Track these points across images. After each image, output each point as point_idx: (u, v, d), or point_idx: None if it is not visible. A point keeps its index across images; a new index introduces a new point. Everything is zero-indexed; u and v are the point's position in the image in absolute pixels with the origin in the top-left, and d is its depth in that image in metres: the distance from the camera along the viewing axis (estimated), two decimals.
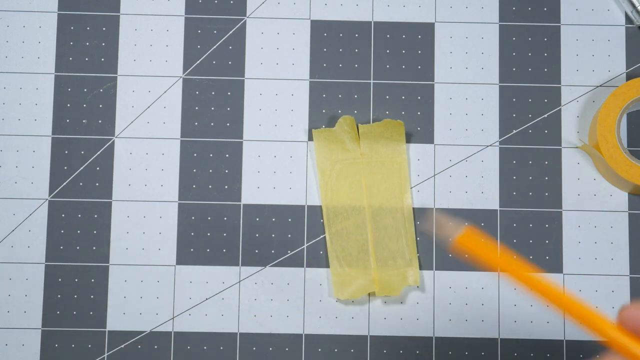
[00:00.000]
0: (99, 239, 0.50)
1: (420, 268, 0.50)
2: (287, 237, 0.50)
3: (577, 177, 0.51)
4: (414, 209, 0.50)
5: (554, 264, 0.50)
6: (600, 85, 0.51)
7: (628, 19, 0.52)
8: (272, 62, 0.52)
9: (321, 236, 0.50)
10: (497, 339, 0.49)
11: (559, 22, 0.52)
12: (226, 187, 0.51)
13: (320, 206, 0.50)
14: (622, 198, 0.51)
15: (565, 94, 0.52)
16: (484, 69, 0.52)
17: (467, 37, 0.52)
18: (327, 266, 0.50)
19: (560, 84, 0.52)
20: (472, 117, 0.51)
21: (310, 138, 0.51)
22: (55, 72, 0.52)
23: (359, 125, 0.50)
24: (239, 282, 0.50)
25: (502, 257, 0.36)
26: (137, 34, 0.52)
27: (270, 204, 0.50)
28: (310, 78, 0.52)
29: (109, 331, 0.50)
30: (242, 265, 0.50)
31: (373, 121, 0.51)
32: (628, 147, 0.51)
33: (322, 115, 0.51)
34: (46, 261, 0.50)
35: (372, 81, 0.52)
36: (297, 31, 0.52)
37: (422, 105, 0.51)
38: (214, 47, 0.52)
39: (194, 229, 0.50)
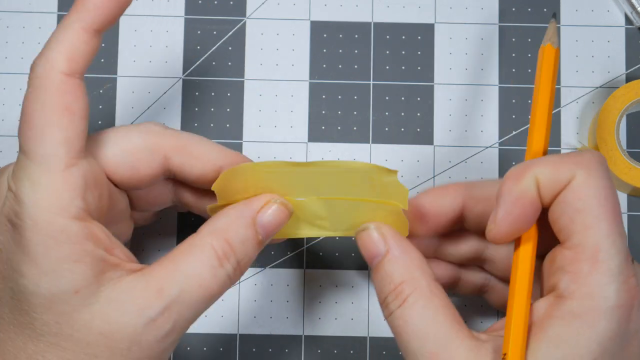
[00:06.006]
0: None
1: None
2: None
3: None
4: None
5: None
6: (599, 87, 0.51)
7: (628, 20, 0.52)
8: (271, 63, 0.52)
9: (321, 237, 0.50)
10: None
11: (559, 23, 0.52)
12: None
13: None
14: (621, 200, 0.51)
15: (565, 95, 0.52)
16: (483, 70, 0.52)
17: (466, 38, 0.52)
18: (327, 268, 0.50)
19: (559, 85, 0.52)
20: (471, 118, 0.51)
21: (311, 139, 0.51)
22: None
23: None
24: (239, 283, 0.50)
25: None
26: (137, 34, 0.52)
27: None
28: (310, 79, 0.52)
29: None
30: None
31: (373, 123, 0.51)
32: (627, 148, 0.51)
33: (322, 116, 0.51)
34: None
35: (371, 82, 0.52)
36: (297, 32, 0.52)
37: (422, 107, 0.51)
38: (214, 48, 0.52)
39: (192, 229, 0.50)
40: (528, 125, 0.51)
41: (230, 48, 0.52)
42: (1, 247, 0.36)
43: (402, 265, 0.39)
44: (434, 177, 0.51)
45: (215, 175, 0.41)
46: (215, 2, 0.52)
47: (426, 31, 0.52)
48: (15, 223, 0.36)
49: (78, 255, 0.36)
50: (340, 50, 0.52)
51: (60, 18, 0.52)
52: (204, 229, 0.39)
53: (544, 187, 0.36)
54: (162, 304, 0.36)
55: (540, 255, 0.38)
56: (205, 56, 0.52)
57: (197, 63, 0.52)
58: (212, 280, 0.38)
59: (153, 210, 0.46)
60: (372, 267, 0.40)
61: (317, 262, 0.50)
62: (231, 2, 0.52)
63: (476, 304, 0.50)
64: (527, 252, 0.38)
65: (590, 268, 0.35)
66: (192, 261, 0.38)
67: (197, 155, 0.41)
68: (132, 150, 0.40)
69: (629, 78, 0.51)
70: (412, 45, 0.52)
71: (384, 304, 0.39)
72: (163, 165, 0.41)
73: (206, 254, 0.38)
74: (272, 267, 0.50)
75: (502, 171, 0.51)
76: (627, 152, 0.50)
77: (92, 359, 0.36)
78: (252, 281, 0.50)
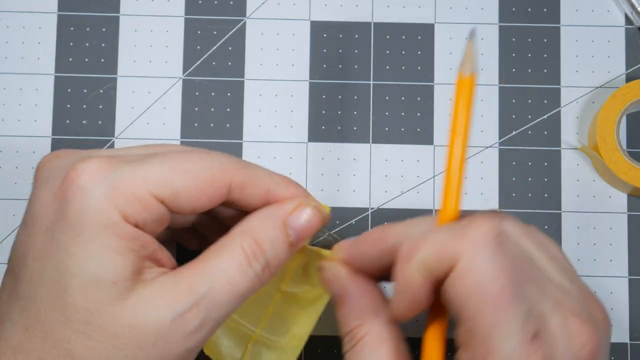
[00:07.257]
0: None
1: None
2: None
3: (576, 179, 0.51)
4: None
5: None
6: (599, 87, 0.52)
7: (628, 20, 0.52)
8: (271, 63, 0.52)
9: (320, 238, 0.50)
10: None
11: (559, 23, 0.52)
12: None
13: None
14: (621, 199, 0.51)
15: (565, 95, 0.52)
16: (483, 70, 0.52)
17: (466, 38, 0.52)
18: None
19: (559, 85, 0.52)
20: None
21: (311, 139, 0.51)
22: (55, 72, 0.52)
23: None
24: None
25: None
26: (137, 34, 0.52)
27: None
28: (310, 79, 0.52)
29: None
30: None
31: (373, 123, 0.51)
32: (627, 148, 0.51)
33: (322, 116, 0.51)
34: None
35: (371, 82, 0.52)
36: (297, 32, 0.52)
37: (422, 107, 0.51)
38: (214, 48, 0.52)
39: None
40: (528, 125, 0.51)
41: (230, 48, 0.52)
42: (49, 225, 0.37)
43: (357, 309, 0.40)
44: (434, 177, 0.51)
45: (265, 199, 0.40)
46: (215, 2, 0.52)
47: (426, 31, 0.52)
48: (73, 203, 0.36)
49: (123, 249, 0.36)
50: (340, 50, 0.52)
51: (60, 18, 0.52)
52: (235, 230, 0.39)
53: (432, 270, 0.36)
54: (191, 300, 0.37)
55: None
56: (205, 56, 0.52)
57: (197, 63, 0.52)
58: (240, 279, 0.38)
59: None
60: (334, 303, 0.41)
61: None
62: (231, 2, 0.52)
63: None
64: (433, 330, 0.38)
65: (484, 355, 0.34)
66: (221, 261, 0.38)
67: (254, 186, 0.40)
68: (201, 187, 0.39)
69: (629, 78, 0.51)
70: (412, 45, 0.52)
71: (342, 342, 0.40)
72: (224, 197, 0.40)
73: (235, 253, 0.38)
74: None
75: (502, 171, 0.51)
76: (627, 152, 0.50)
77: (118, 351, 0.36)
78: None
